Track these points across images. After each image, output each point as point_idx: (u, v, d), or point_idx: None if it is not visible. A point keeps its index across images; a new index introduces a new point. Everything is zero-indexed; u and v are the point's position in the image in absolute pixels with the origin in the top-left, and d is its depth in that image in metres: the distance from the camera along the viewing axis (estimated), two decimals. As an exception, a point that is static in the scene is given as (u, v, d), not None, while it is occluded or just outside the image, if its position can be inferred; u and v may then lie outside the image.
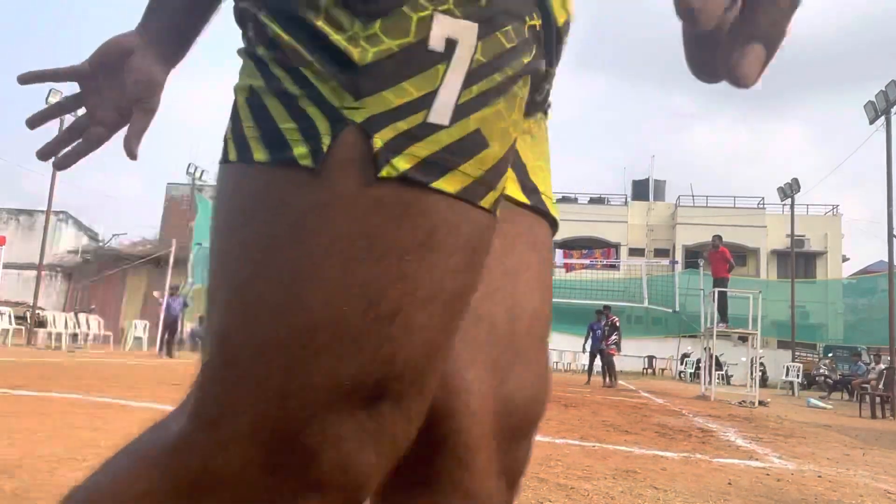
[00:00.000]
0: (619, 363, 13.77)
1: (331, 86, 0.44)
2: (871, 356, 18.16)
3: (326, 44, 0.44)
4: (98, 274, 23.12)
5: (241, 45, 0.50)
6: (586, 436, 4.35)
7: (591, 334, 13.73)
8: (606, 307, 13.77)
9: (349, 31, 0.44)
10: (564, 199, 34.86)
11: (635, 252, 32.29)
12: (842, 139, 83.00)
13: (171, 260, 16.23)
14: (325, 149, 0.43)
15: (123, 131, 0.68)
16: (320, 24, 0.44)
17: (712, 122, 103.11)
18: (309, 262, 0.43)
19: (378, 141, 0.43)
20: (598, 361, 13.75)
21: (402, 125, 0.43)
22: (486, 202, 0.47)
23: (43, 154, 0.69)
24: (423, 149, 0.44)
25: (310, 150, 0.43)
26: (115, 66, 0.66)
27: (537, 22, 0.51)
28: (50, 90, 17.80)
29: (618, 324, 13.51)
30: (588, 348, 14.53)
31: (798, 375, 16.83)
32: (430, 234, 0.44)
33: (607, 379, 13.21)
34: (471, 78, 0.45)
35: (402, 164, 0.43)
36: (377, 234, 0.43)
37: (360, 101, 0.43)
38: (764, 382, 17.98)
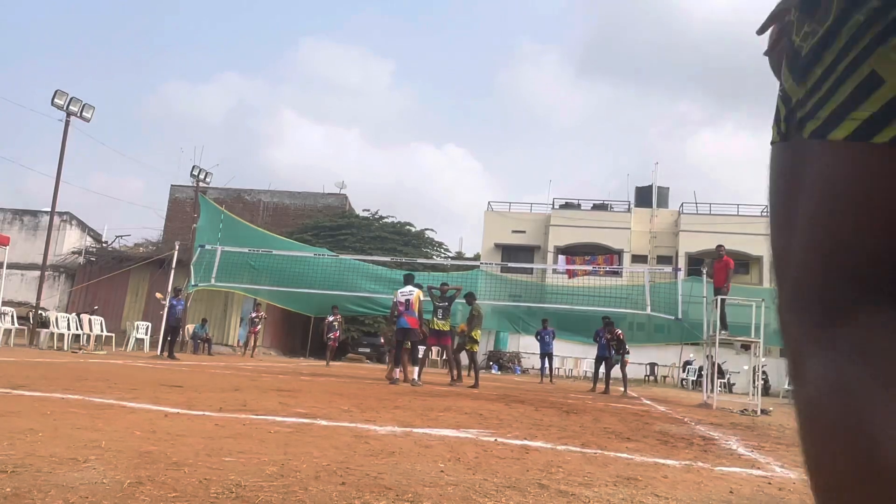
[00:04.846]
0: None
1: None
2: (874, 366, 18.07)
3: None
4: (101, 275, 23.15)
5: None
6: (588, 442, 4.34)
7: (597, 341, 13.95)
8: (609, 320, 13.89)
9: None
10: (567, 205, 34.82)
11: (638, 259, 32.25)
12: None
13: (174, 262, 16.24)
14: None
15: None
16: None
17: (716, 130, 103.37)
18: None
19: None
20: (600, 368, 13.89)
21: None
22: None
23: None
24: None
25: None
26: None
27: None
28: (56, 91, 17.91)
29: (623, 337, 13.60)
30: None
31: (800, 384, 16.75)
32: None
33: (608, 387, 13.26)
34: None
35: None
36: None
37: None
38: (766, 391, 17.90)
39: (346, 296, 18.02)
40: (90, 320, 17.24)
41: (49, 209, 18.93)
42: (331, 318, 17.90)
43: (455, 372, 11.46)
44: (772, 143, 0.63)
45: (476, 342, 11.75)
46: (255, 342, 19.93)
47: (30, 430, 3.08)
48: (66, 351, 14.36)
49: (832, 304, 0.54)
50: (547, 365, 16.83)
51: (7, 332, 14.69)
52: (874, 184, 0.53)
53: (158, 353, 14.75)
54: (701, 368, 17.46)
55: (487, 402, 7.59)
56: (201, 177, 23.79)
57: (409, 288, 10.53)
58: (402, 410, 5.62)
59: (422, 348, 12.04)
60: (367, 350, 26.28)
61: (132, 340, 18.06)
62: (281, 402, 5.59)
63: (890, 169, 0.52)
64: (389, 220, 32.36)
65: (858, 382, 0.48)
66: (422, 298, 10.55)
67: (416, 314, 10.36)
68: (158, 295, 16.04)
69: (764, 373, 17.35)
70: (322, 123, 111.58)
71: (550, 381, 16.29)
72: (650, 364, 24.84)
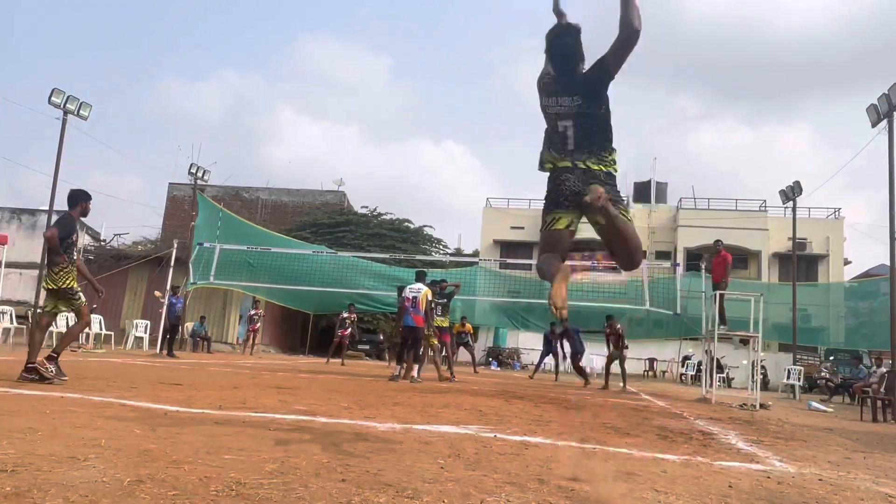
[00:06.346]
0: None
1: None
2: (873, 360, 18.12)
3: None
4: (99, 273, 23.11)
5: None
6: (587, 437, 4.35)
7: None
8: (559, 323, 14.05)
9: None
10: (566, 201, 34.83)
11: (637, 254, 32.20)
12: (845, 142, 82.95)
13: (173, 260, 16.23)
14: None
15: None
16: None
17: (715, 125, 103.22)
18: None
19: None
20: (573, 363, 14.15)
21: None
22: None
23: None
24: None
25: None
26: None
27: None
28: (53, 90, 17.86)
29: (622, 331, 13.60)
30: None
31: (799, 379, 16.81)
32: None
33: (607, 382, 13.30)
34: None
35: None
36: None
37: None
38: (765, 385, 17.94)
39: (344, 293, 18.01)
40: (89, 319, 17.20)
41: (47, 208, 18.90)
42: (344, 315, 17.80)
43: (443, 369, 11.44)
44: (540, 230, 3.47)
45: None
46: (254, 340, 19.92)
47: (29, 428, 3.08)
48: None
49: (548, 251, 3.25)
50: (547, 362, 16.87)
51: (6, 330, 14.68)
52: (557, 238, 3.25)
53: (158, 351, 14.75)
54: (700, 363, 17.48)
55: (487, 398, 7.60)
56: (199, 174, 23.73)
57: (418, 286, 10.51)
58: (402, 407, 5.63)
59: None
60: (367, 347, 26.30)
61: (131, 339, 18.06)
62: (280, 399, 5.60)
63: (560, 235, 3.25)
64: (388, 216, 32.33)
65: (545, 259, 3.20)
66: (429, 298, 10.49)
67: (423, 313, 10.34)
68: (157, 293, 16.01)
69: (763, 367, 17.39)
70: (320, 120, 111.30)
71: (556, 378, 16.31)
72: (649, 359, 24.88)
